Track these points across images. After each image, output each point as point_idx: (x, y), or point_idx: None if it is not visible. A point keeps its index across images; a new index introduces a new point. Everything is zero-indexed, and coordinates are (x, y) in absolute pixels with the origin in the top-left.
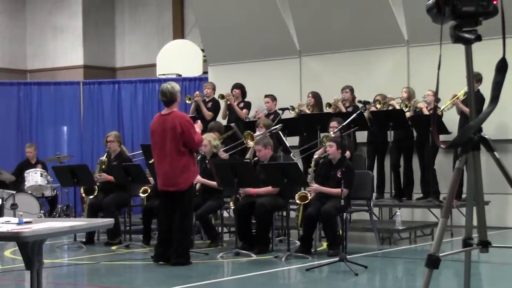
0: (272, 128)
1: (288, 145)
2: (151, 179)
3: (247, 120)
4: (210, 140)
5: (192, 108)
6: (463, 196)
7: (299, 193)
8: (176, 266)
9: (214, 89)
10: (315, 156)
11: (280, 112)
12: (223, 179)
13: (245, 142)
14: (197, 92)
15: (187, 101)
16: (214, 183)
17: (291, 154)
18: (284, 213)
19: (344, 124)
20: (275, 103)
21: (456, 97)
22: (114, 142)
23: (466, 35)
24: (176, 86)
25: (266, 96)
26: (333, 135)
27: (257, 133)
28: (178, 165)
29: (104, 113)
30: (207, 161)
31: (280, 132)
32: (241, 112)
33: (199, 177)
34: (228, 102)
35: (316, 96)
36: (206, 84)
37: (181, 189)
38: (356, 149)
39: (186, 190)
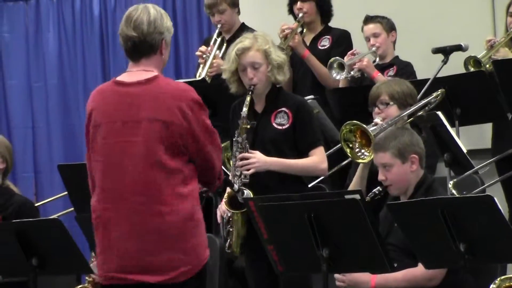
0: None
1: (464, 150)
2: None
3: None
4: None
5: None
6: None
7: None
8: None
9: None
10: None
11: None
12: None
13: (347, 151)
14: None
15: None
16: None
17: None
18: None
19: None
20: (394, 35)
21: None
22: None
23: None
24: (166, 16)
25: (366, 20)
26: None
27: (377, 120)
28: (167, 219)
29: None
30: None
31: (440, 115)
32: (322, 68)
33: None
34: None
35: None
36: None
37: (171, 281)
38: None
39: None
